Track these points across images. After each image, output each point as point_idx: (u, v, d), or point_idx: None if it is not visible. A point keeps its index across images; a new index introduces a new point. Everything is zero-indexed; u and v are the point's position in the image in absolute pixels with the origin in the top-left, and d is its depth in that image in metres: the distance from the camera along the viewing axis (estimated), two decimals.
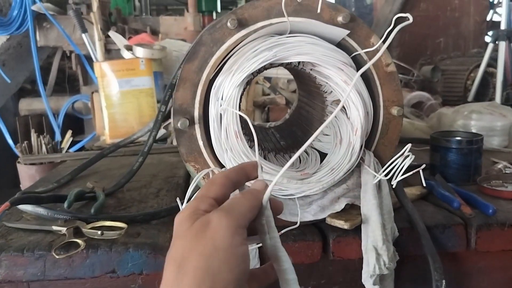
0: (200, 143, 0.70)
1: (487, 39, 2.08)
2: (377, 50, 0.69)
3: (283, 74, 1.63)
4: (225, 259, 0.38)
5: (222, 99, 0.67)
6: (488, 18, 2.62)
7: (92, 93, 1.75)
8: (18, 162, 1.66)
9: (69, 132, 1.85)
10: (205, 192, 0.44)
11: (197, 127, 0.69)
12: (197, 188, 0.59)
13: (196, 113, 0.69)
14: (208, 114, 0.68)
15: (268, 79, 1.70)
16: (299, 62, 0.72)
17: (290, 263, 0.43)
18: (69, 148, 1.97)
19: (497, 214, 0.75)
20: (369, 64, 0.48)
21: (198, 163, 0.71)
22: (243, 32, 0.67)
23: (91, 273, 0.66)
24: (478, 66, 2.04)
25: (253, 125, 0.95)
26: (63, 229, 0.70)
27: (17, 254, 0.66)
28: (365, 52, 0.70)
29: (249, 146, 0.69)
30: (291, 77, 1.40)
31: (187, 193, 0.57)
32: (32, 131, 1.64)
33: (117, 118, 1.54)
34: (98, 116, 1.67)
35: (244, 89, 0.70)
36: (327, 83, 0.72)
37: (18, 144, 1.67)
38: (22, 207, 0.78)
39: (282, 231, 0.66)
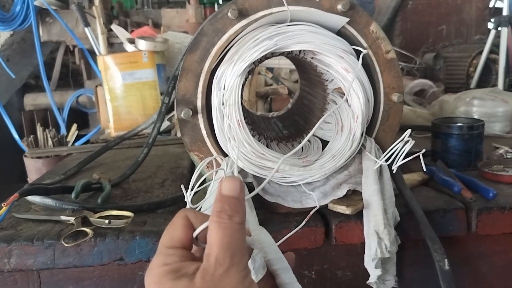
0: (203, 132, 0.71)
1: (490, 25, 2.07)
2: (375, 36, 0.70)
3: (285, 64, 1.64)
4: None
5: (224, 88, 0.68)
6: (490, 5, 2.60)
7: (96, 86, 1.76)
8: (25, 156, 1.68)
9: (75, 126, 1.87)
10: (169, 242, 0.39)
11: (200, 117, 0.70)
12: (200, 176, 0.60)
13: (199, 103, 0.70)
14: (210, 103, 0.69)
15: (270, 69, 1.71)
16: (300, 51, 0.73)
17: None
18: (74, 142, 1.99)
19: (498, 198, 0.76)
20: None
21: (202, 152, 0.72)
22: (244, 22, 0.68)
23: (99, 260, 0.68)
24: (481, 53, 2.03)
25: (256, 116, 0.96)
26: (71, 219, 0.72)
27: (27, 243, 0.67)
28: (365, 40, 0.71)
29: (252, 135, 0.70)
30: (293, 67, 1.40)
31: (191, 181, 0.58)
32: (38, 125, 1.66)
33: (121, 111, 1.56)
34: (102, 110, 1.69)
35: (246, 79, 0.70)
36: (328, 71, 0.73)
37: (24, 138, 1.69)
38: (30, 198, 0.79)
39: (305, 219, 0.67)
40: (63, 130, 2.46)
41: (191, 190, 0.56)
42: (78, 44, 2.49)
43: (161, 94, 1.54)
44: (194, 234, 0.39)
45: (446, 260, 0.64)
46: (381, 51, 0.72)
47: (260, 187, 0.45)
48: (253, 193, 0.42)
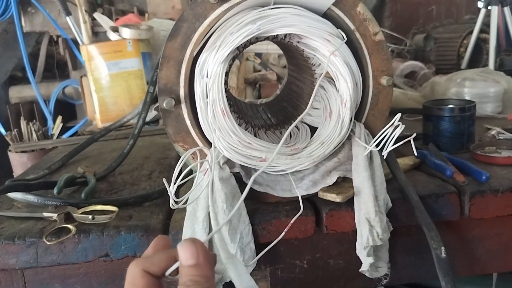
0: (188, 122, 0.69)
1: (480, 4, 2.04)
2: (363, 17, 0.68)
3: (273, 49, 1.61)
4: None
5: (207, 76, 0.65)
6: None
7: (81, 77, 1.72)
8: (9, 151, 1.65)
9: (59, 118, 1.83)
10: None
11: (183, 106, 0.68)
12: (185, 167, 0.58)
13: (182, 92, 0.67)
14: (194, 92, 0.67)
15: (258, 55, 1.68)
16: (285, 35, 0.70)
17: None
18: (62, 134, 1.95)
19: (491, 180, 0.75)
20: None
21: (187, 143, 0.70)
22: (226, 5, 0.65)
23: (84, 257, 0.66)
24: (471, 32, 2.01)
25: (243, 103, 0.94)
26: (54, 215, 0.70)
27: (8, 242, 0.65)
28: (352, 21, 0.68)
29: (238, 124, 0.68)
30: (282, 52, 1.37)
31: (173, 174, 0.56)
32: (22, 118, 1.62)
33: (107, 101, 1.52)
34: (88, 101, 1.65)
35: (230, 65, 0.68)
36: (314, 55, 0.71)
37: (8, 132, 1.65)
38: (12, 195, 0.77)
39: (294, 218, 0.66)
40: (49, 123, 2.42)
41: (174, 184, 0.54)
42: (61, 34, 2.43)
43: (147, 83, 1.50)
44: (167, 273, 0.39)
45: (442, 248, 0.62)
46: (368, 33, 0.70)
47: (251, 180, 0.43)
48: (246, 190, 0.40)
